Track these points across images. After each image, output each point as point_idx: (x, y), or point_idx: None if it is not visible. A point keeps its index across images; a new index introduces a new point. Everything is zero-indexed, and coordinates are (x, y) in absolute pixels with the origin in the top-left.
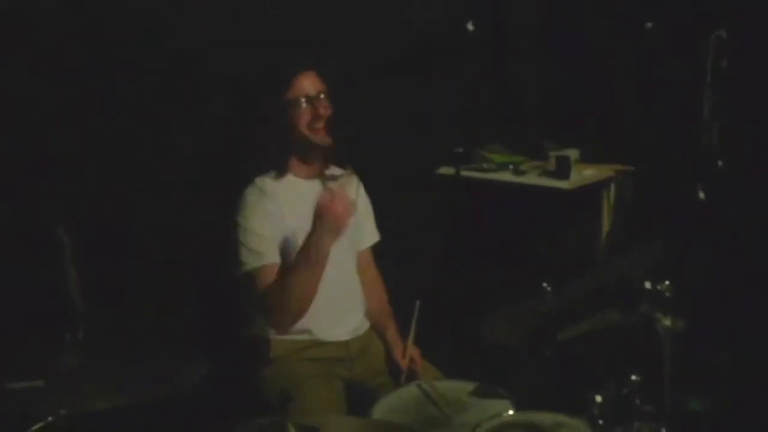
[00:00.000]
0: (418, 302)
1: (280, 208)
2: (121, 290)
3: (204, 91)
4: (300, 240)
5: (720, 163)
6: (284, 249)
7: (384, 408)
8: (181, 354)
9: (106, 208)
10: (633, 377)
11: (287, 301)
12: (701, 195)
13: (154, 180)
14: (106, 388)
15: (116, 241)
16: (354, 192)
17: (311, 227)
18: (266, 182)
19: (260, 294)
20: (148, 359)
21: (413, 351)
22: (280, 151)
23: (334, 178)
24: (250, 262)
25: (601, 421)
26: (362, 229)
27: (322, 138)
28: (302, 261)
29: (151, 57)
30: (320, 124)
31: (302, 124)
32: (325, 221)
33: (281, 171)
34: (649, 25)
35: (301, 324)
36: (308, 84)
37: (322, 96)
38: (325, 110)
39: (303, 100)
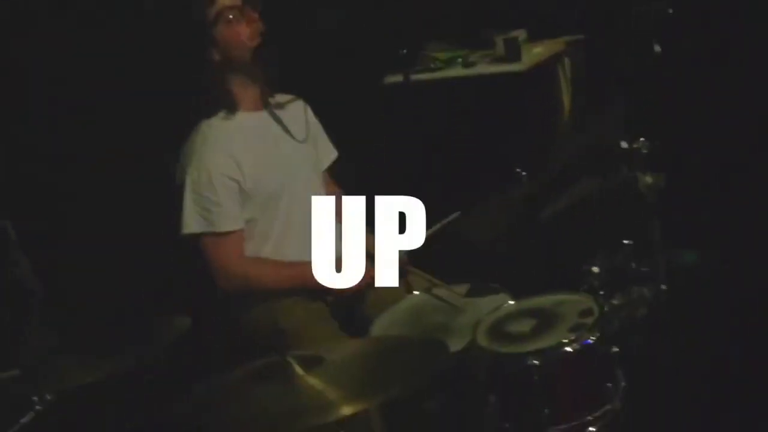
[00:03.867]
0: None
1: (232, 154)
2: (80, 261)
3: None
4: (261, 184)
5: (671, 11)
6: (245, 196)
7: (382, 324)
8: (160, 310)
9: (48, 184)
10: (624, 242)
11: (247, 286)
12: (657, 48)
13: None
14: (87, 361)
15: (65, 213)
16: (302, 115)
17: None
18: (213, 126)
19: (213, 265)
20: (124, 322)
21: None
22: (222, 83)
23: (280, 105)
24: (195, 226)
25: (601, 292)
26: (320, 150)
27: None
28: (291, 278)
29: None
30: (256, 36)
31: (242, 37)
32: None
33: (230, 106)
34: None
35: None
36: None
37: (247, 7)
38: (256, 20)
39: (229, 14)
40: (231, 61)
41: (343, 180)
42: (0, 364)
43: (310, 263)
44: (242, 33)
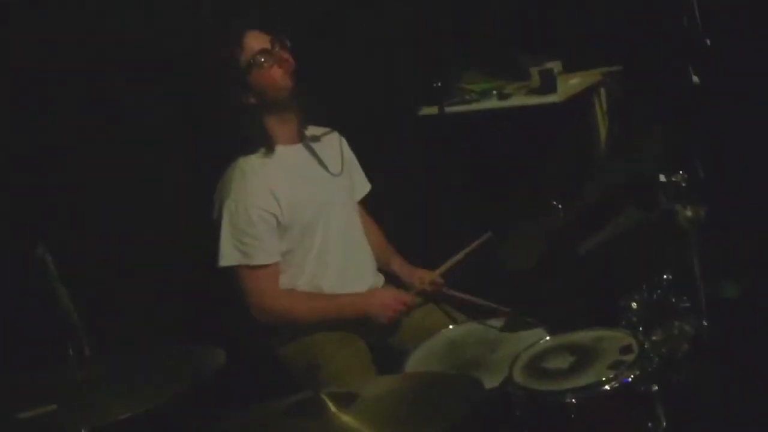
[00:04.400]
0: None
1: (270, 188)
2: (117, 292)
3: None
4: (298, 217)
5: (708, 41)
6: (282, 229)
7: (417, 360)
8: (194, 345)
9: (87, 213)
10: (664, 276)
11: (282, 318)
12: (695, 79)
13: (137, 175)
14: (123, 395)
15: (102, 244)
16: (337, 148)
17: (361, 310)
18: (250, 160)
19: (248, 297)
20: (160, 357)
21: (434, 276)
22: (260, 123)
23: (316, 138)
24: (232, 258)
25: (640, 327)
26: (354, 182)
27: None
28: (325, 311)
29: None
30: (290, 75)
31: (277, 79)
32: (378, 318)
33: (269, 144)
34: None
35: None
36: (255, 41)
37: (277, 47)
38: (288, 59)
39: (261, 58)
40: (268, 103)
41: (377, 211)
42: (38, 398)
43: (344, 295)
44: (276, 75)
